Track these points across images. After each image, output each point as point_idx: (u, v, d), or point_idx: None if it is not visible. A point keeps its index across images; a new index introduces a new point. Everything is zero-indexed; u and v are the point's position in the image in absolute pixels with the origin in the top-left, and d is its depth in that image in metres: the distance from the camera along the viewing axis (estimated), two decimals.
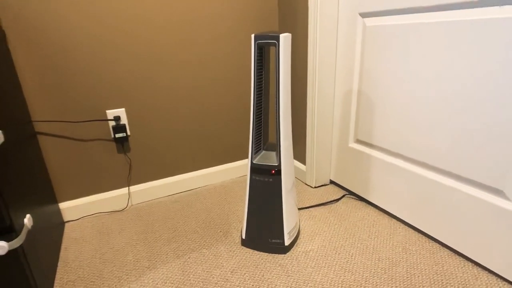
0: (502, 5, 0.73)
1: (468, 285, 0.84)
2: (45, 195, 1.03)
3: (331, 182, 1.44)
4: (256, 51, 0.86)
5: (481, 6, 0.77)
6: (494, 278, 0.86)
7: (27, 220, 0.76)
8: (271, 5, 1.36)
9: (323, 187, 1.41)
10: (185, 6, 1.19)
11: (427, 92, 0.93)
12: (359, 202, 1.27)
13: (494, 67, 0.77)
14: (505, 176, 0.80)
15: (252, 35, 0.85)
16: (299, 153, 1.46)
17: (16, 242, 0.68)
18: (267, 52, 0.93)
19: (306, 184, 1.43)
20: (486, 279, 0.86)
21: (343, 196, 1.32)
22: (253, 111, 0.91)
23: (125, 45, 1.14)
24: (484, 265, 0.89)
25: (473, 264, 0.92)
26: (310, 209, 1.23)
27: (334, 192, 1.35)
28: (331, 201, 1.28)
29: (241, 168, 1.53)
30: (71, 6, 1.03)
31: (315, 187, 1.40)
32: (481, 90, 0.80)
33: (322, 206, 1.25)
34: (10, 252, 0.68)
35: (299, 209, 1.23)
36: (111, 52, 1.13)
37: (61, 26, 1.04)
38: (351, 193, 1.34)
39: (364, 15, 1.08)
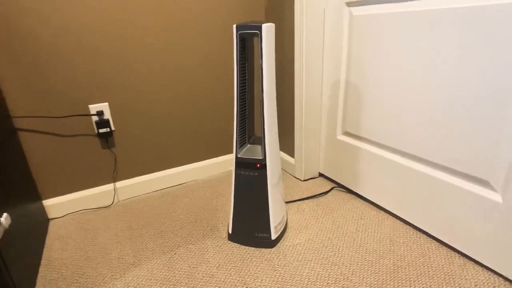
0: None
1: (454, 276, 0.84)
2: (26, 192, 1.00)
3: (320, 175, 1.43)
4: (238, 42, 0.84)
5: None
6: (480, 268, 0.86)
7: (4, 219, 0.73)
8: None
9: (312, 180, 1.40)
10: None
11: (415, 84, 0.92)
12: (348, 194, 1.26)
13: (483, 57, 0.75)
14: (490, 167, 0.79)
15: (234, 26, 0.83)
16: (288, 146, 1.44)
17: None
18: (251, 43, 0.90)
19: (295, 177, 1.42)
20: (472, 269, 0.86)
21: (332, 188, 1.31)
22: (237, 103, 0.89)
23: (106, 35, 1.10)
24: (471, 256, 0.89)
25: (460, 255, 0.91)
26: (298, 202, 1.22)
27: (323, 185, 1.34)
28: (319, 194, 1.27)
29: (229, 162, 1.51)
30: None
31: (304, 180, 1.39)
32: (470, 81, 0.79)
33: (310, 199, 1.24)
34: None
35: (287, 202, 1.22)
36: (93, 44, 1.09)
37: (38, 16, 1.00)
38: (340, 185, 1.33)
39: (350, 4, 1.06)
